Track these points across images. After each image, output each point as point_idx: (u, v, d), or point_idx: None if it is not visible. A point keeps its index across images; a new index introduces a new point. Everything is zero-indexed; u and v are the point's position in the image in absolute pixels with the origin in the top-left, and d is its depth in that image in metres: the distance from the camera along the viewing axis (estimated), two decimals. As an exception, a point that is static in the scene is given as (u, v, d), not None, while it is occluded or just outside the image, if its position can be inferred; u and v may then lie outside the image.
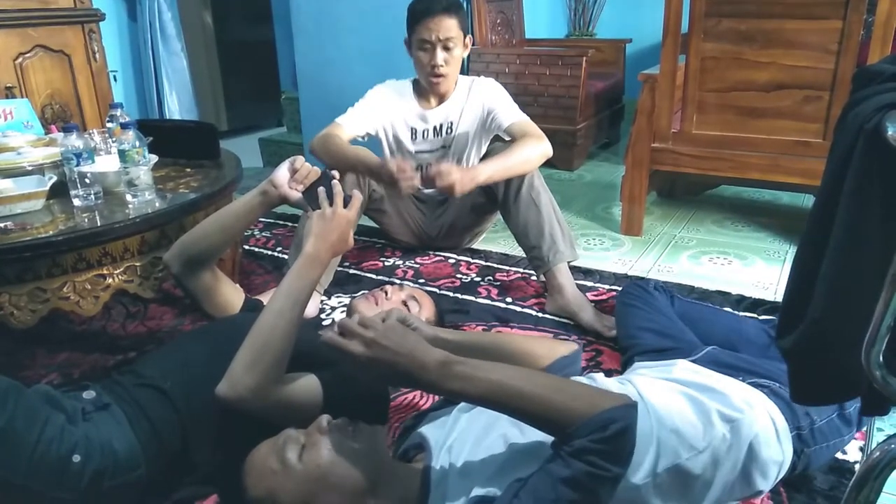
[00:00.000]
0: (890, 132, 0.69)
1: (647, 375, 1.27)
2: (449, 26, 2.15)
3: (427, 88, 2.28)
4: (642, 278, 2.26)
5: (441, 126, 2.31)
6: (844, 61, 2.20)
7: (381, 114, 2.30)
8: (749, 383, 1.23)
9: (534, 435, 1.03)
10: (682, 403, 1.15)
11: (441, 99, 2.30)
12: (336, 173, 1.40)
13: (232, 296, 1.56)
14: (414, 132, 2.32)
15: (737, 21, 2.33)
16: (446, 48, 2.17)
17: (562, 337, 1.87)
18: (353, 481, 0.99)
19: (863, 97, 0.76)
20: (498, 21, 3.86)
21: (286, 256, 2.39)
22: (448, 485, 1.01)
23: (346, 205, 1.33)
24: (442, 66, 2.18)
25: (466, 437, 1.09)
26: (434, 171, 1.95)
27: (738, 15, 2.33)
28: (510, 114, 2.22)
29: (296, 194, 1.46)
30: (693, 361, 1.31)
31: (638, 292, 1.72)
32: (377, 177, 2.04)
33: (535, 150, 2.10)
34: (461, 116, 2.30)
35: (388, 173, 1.93)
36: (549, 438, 0.96)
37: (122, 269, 1.58)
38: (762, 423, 1.14)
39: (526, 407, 0.93)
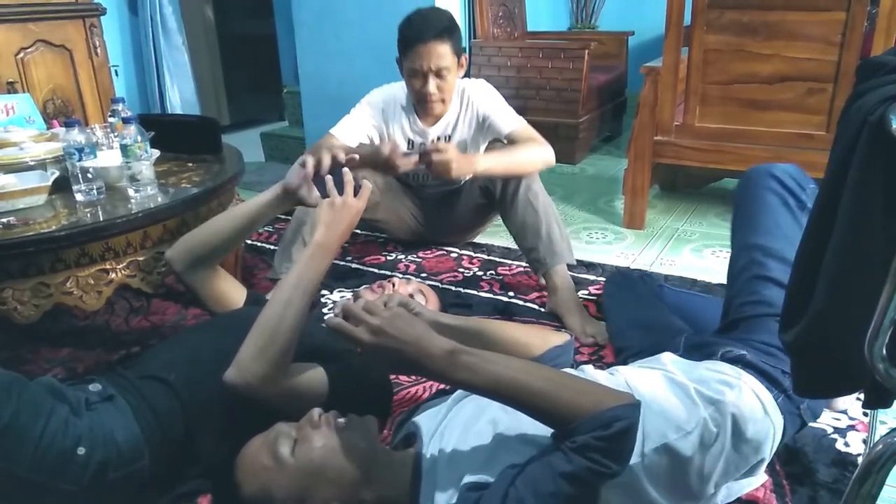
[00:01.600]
0: (894, 125, 0.68)
1: (634, 366, 1.29)
2: (442, 54, 2.03)
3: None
4: (645, 272, 2.26)
5: (438, 139, 2.27)
6: (848, 53, 2.19)
7: (378, 122, 2.26)
8: (724, 356, 1.23)
9: (522, 420, 1.03)
10: (666, 388, 1.15)
11: (438, 116, 2.25)
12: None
13: (234, 292, 1.56)
14: (411, 143, 2.29)
15: (739, 13, 2.32)
16: (439, 76, 2.08)
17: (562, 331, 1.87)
18: (347, 473, 1.00)
19: (866, 89, 0.75)
20: (500, 14, 3.84)
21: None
22: (438, 471, 1.02)
23: (355, 194, 1.34)
24: (434, 93, 2.11)
25: (456, 424, 1.09)
26: (431, 147, 1.94)
27: (740, 6, 2.32)
28: (508, 120, 2.18)
29: (313, 197, 1.45)
30: (679, 356, 1.31)
31: (619, 281, 1.72)
32: (373, 162, 2.00)
33: (538, 154, 2.08)
34: (456, 127, 2.26)
35: (383, 152, 1.91)
36: (537, 424, 0.96)
37: (124, 264, 1.58)
38: (747, 400, 1.14)
39: (530, 400, 0.93)
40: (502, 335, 1.26)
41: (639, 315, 1.60)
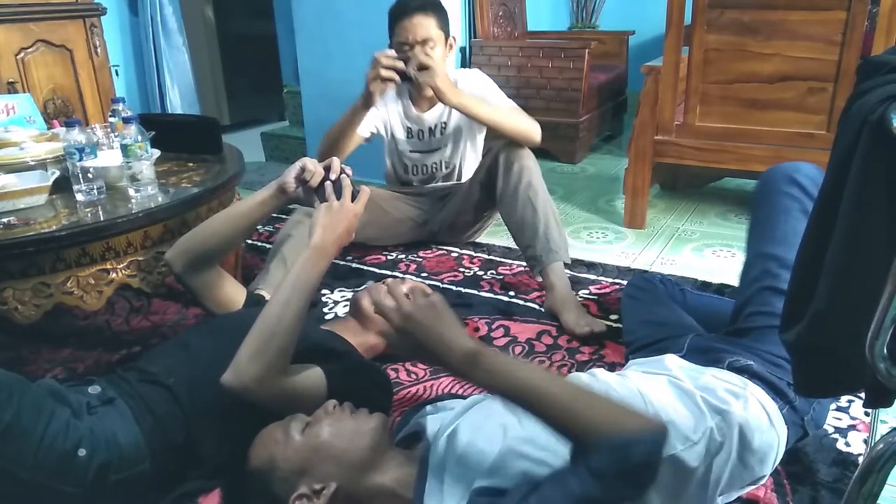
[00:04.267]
0: (894, 124, 0.68)
1: (640, 370, 1.28)
2: (426, 26, 2.10)
3: (416, 92, 2.27)
4: (645, 271, 2.26)
5: (435, 126, 2.33)
6: (848, 52, 2.19)
7: (381, 111, 2.31)
8: (731, 365, 1.22)
9: (532, 424, 1.04)
10: (674, 396, 1.15)
11: (432, 101, 2.28)
12: (348, 168, 1.40)
13: (234, 292, 1.56)
14: (410, 131, 2.34)
15: (740, 12, 2.32)
16: (425, 49, 2.12)
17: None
18: (350, 456, 1.02)
19: (867, 88, 0.75)
20: (500, 13, 3.84)
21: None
22: (447, 472, 1.01)
23: (353, 199, 1.34)
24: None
25: (464, 426, 1.10)
26: (422, 61, 2.02)
27: (741, 6, 2.31)
28: (501, 101, 2.23)
29: (311, 198, 1.44)
30: (682, 357, 1.31)
31: (642, 284, 1.73)
32: (365, 98, 2.06)
33: (523, 121, 2.13)
34: (451, 113, 2.30)
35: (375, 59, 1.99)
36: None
37: (125, 264, 1.58)
38: (753, 410, 1.14)
39: (550, 412, 0.90)
40: None
41: (651, 313, 1.59)
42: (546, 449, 1.00)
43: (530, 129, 2.13)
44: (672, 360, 1.27)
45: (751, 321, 1.31)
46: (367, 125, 2.28)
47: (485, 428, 1.07)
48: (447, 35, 2.18)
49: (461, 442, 1.06)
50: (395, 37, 2.15)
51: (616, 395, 1.13)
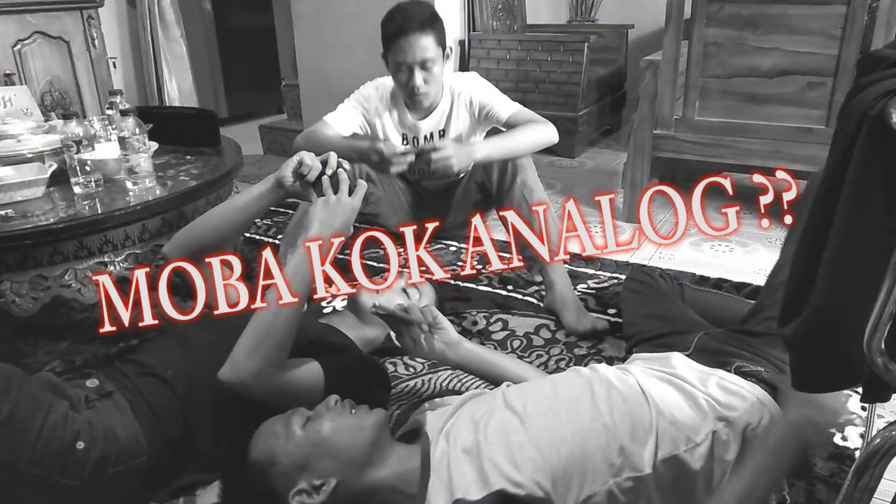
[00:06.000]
0: (894, 118, 0.68)
1: (645, 367, 1.28)
2: (426, 45, 2.03)
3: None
4: (644, 265, 2.26)
5: (432, 135, 2.27)
6: (848, 47, 2.19)
7: (370, 117, 2.26)
8: (738, 369, 1.22)
9: (531, 422, 1.05)
10: (678, 396, 1.15)
11: (429, 110, 2.24)
12: (345, 162, 1.39)
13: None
14: (405, 137, 2.29)
15: (739, 6, 2.32)
16: (424, 68, 2.07)
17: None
18: (350, 451, 1.03)
19: (867, 83, 0.75)
20: (499, 6, 3.83)
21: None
22: (452, 468, 1.02)
23: (350, 193, 1.33)
24: (421, 86, 2.09)
25: (462, 421, 1.10)
26: (428, 146, 1.93)
27: (740, 0, 2.31)
28: (505, 106, 2.18)
29: (308, 192, 1.43)
30: (689, 356, 1.30)
31: (642, 278, 1.73)
32: (366, 157, 1.99)
33: (538, 133, 2.07)
34: (450, 122, 2.25)
35: (379, 152, 1.92)
36: (547, 425, 0.98)
37: (123, 257, 1.58)
38: (757, 416, 1.14)
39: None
40: (515, 376, 1.33)
41: (654, 307, 1.59)
42: (547, 447, 1.02)
43: (548, 137, 2.09)
44: (679, 360, 1.26)
45: (767, 326, 1.30)
46: (350, 124, 2.22)
47: (483, 425, 1.08)
48: (444, 47, 2.11)
49: (460, 438, 1.06)
50: (392, 55, 2.08)
51: (616, 391, 1.13)
